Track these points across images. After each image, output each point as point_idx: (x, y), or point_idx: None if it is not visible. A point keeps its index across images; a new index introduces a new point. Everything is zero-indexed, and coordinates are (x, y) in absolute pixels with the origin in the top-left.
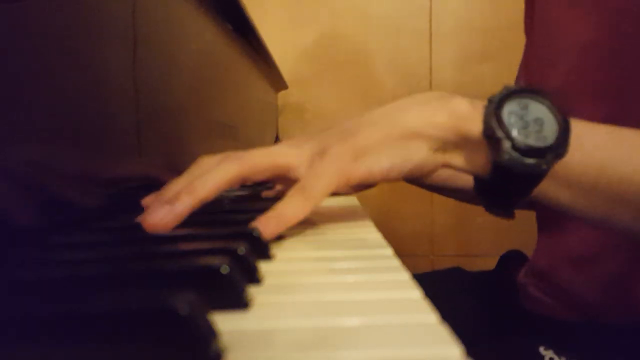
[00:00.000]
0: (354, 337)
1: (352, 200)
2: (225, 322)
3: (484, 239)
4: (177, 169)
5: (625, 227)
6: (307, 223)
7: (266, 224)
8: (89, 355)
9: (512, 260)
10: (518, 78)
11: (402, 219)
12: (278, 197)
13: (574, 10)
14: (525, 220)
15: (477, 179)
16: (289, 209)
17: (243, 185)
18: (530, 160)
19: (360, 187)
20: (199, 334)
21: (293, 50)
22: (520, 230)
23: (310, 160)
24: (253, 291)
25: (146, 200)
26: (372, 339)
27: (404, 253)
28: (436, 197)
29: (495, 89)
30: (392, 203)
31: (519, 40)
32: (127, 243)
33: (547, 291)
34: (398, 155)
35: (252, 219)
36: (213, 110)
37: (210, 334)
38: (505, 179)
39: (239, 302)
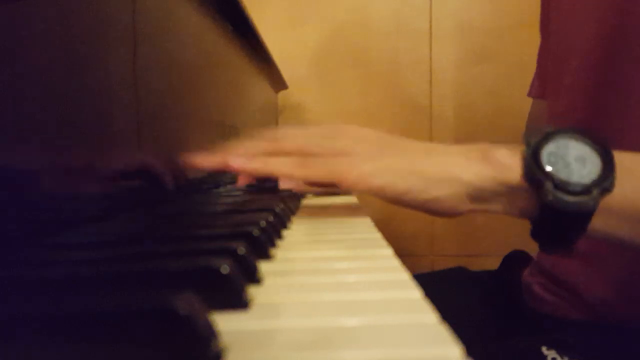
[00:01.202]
0: (354, 337)
1: (352, 200)
2: (225, 322)
3: (484, 239)
4: (177, 168)
5: None
6: (307, 223)
7: (242, 152)
8: (88, 355)
9: (516, 259)
10: (533, 80)
11: (402, 219)
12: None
13: (584, 6)
14: (526, 220)
15: (533, 224)
16: (281, 165)
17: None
18: (575, 198)
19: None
20: (199, 334)
21: (293, 50)
22: (520, 230)
23: (367, 154)
24: (253, 291)
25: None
26: (372, 339)
27: (404, 253)
28: None
29: (496, 89)
30: None
31: (519, 40)
32: (127, 243)
33: (552, 290)
34: (431, 194)
35: (252, 218)
36: (213, 110)
37: (210, 334)
38: (555, 220)
39: (239, 302)
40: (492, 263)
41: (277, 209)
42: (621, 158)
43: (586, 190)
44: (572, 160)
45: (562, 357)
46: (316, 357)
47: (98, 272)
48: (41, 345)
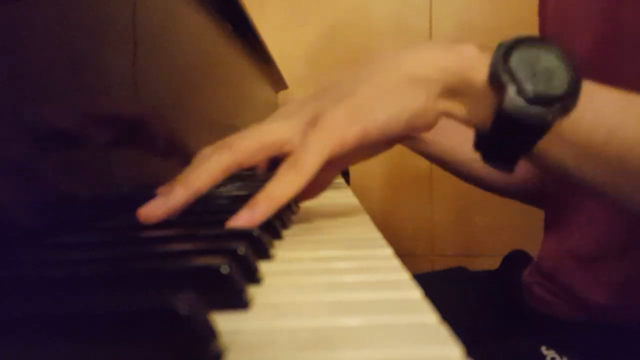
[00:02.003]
0: (354, 337)
1: (352, 200)
2: (225, 322)
3: (484, 239)
4: (177, 168)
5: (628, 197)
6: (307, 223)
7: (255, 207)
8: (89, 355)
9: (516, 259)
10: None
11: (402, 219)
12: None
13: (576, 16)
14: (526, 220)
15: (478, 132)
16: (278, 188)
17: (242, 183)
18: (535, 109)
19: (360, 155)
20: (199, 334)
21: (293, 50)
22: (520, 230)
23: (303, 131)
24: (253, 291)
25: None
26: (372, 339)
27: (404, 253)
28: (436, 196)
29: None
30: (392, 203)
31: None
32: (127, 243)
33: (552, 290)
34: (394, 105)
35: None
36: (213, 109)
37: (210, 334)
38: (508, 130)
39: (239, 302)
40: (492, 263)
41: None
42: (589, 84)
43: (547, 103)
44: (540, 70)
45: (561, 357)
46: (316, 357)
47: (98, 272)
48: (41, 345)
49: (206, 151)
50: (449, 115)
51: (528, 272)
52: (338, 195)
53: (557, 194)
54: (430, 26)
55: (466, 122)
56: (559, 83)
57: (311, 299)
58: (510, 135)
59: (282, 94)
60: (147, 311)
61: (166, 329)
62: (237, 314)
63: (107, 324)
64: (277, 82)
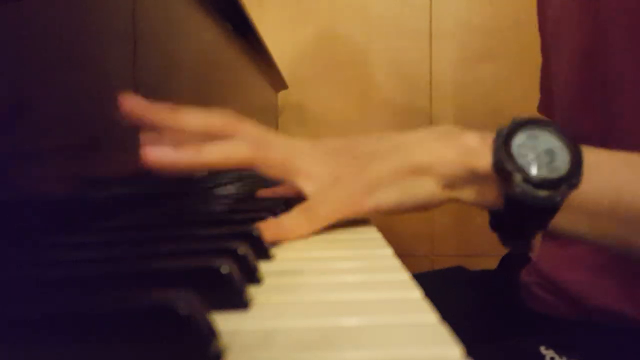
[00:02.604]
0: (354, 337)
1: None
2: (225, 322)
3: (484, 239)
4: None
5: None
6: None
7: (266, 229)
8: (88, 355)
9: (514, 259)
10: (541, 79)
11: (402, 219)
12: (274, 198)
13: (568, 18)
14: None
15: (492, 214)
16: (290, 224)
17: (242, 183)
18: (543, 193)
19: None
20: (199, 334)
21: (293, 50)
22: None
23: (320, 182)
24: (253, 291)
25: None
26: (372, 339)
27: (404, 253)
28: None
29: (496, 89)
30: None
31: (519, 40)
32: (127, 243)
33: (550, 291)
34: (406, 192)
35: (252, 218)
36: (213, 109)
37: (210, 334)
38: (519, 213)
39: (239, 302)
40: (492, 263)
41: (278, 210)
42: (588, 154)
43: (554, 184)
44: (541, 152)
45: (560, 357)
46: (316, 357)
47: (98, 272)
48: (41, 345)
49: (233, 123)
50: (457, 200)
51: (526, 272)
52: None
53: None
54: (430, 26)
55: (475, 205)
56: (562, 163)
57: (311, 299)
58: (521, 218)
59: (282, 94)
60: (147, 311)
61: (166, 328)
62: (237, 314)
63: (107, 324)
64: (277, 82)
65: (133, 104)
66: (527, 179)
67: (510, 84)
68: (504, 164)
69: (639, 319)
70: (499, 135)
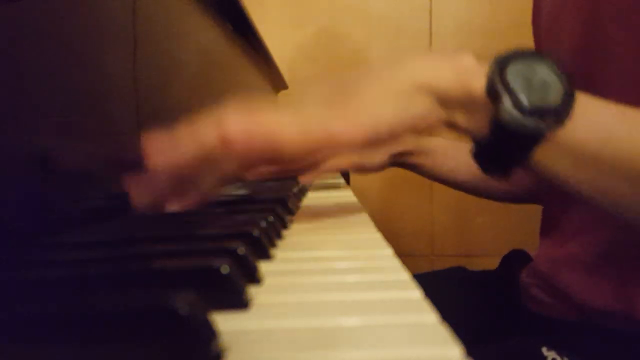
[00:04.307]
0: (354, 337)
1: (352, 200)
2: (225, 322)
3: (484, 239)
4: None
5: (622, 208)
6: (307, 223)
7: (247, 117)
8: (89, 355)
9: (515, 259)
10: None
11: (402, 218)
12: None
13: (564, 16)
14: (526, 220)
15: (476, 142)
16: (276, 120)
17: (242, 183)
18: (530, 121)
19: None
20: (199, 334)
21: (293, 50)
22: (520, 230)
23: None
24: (253, 291)
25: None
26: (372, 339)
27: (404, 253)
28: (436, 196)
29: None
30: (391, 203)
31: (519, 40)
32: (127, 243)
33: (549, 292)
34: (403, 109)
35: (252, 218)
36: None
37: (210, 334)
38: (504, 140)
39: (239, 302)
40: (492, 263)
41: (278, 209)
42: (583, 97)
43: (542, 115)
44: (535, 82)
45: (562, 357)
46: (316, 357)
47: (98, 272)
48: (41, 345)
49: (203, 138)
50: (449, 122)
51: (525, 273)
52: (338, 195)
53: (550, 202)
54: (430, 26)
55: (465, 130)
56: (554, 95)
57: (311, 299)
58: (505, 144)
59: (282, 94)
60: (148, 311)
61: (166, 328)
62: (237, 314)
63: (107, 324)
64: (277, 82)
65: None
66: (517, 104)
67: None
68: (496, 87)
69: (635, 320)
70: (496, 61)
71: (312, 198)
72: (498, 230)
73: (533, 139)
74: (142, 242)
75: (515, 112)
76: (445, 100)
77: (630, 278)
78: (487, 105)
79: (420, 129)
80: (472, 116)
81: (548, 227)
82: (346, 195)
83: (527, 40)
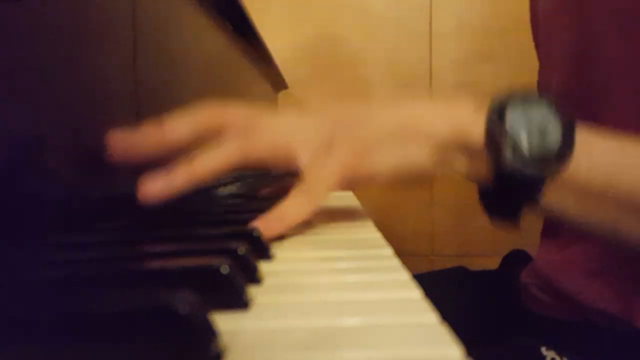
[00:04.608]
0: (354, 337)
1: (352, 200)
2: (225, 322)
3: (484, 239)
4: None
5: (634, 239)
6: (307, 223)
7: (268, 225)
8: (88, 355)
9: (515, 259)
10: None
11: (402, 218)
12: (276, 196)
13: (561, 18)
14: (525, 220)
15: (481, 188)
16: (291, 210)
17: (242, 183)
18: (533, 168)
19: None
20: (199, 334)
21: (293, 50)
22: (520, 230)
23: (315, 152)
24: (253, 291)
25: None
26: (372, 339)
27: (404, 253)
28: (436, 196)
29: (495, 89)
30: (392, 202)
31: (519, 40)
32: (127, 243)
33: (549, 293)
34: (401, 158)
35: (252, 219)
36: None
37: (210, 334)
38: (508, 187)
39: (239, 302)
40: (492, 263)
41: None
42: (583, 133)
43: (543, 160)
44: (534, 127)
45: (561, 357)
46: (316, 357)
47: (98, 272)
48: (41, 345)
49: (211, 117)
50: (450, 169)
51: (525, 273)
52: (338, 196)
53: None
54: (430, 26)
55: (466, 177)
56: (553, 138)
57: (311, 299)
58: (510, 192)
59: (282, 94)
60: (148, 311)
61: (166, 328)
62: (237, 314)
63: (107, 324)
64: (278, 82)
65: (118, 142)
66: (518, 153)
67: (510, 84)
68: (495, 136)
69: (634, 322)
70: (493, 107)
71: None
72: (498, 230)
73: (538, 183)
74: (142, 242)
75: (517, 161)
76: (444, 150)
77: (631, 283)
78: (487, 154)
79: (417, 177)
80: (473, 163)
81: (549, 230)
82: (346, 196)
83: (527, 40)
